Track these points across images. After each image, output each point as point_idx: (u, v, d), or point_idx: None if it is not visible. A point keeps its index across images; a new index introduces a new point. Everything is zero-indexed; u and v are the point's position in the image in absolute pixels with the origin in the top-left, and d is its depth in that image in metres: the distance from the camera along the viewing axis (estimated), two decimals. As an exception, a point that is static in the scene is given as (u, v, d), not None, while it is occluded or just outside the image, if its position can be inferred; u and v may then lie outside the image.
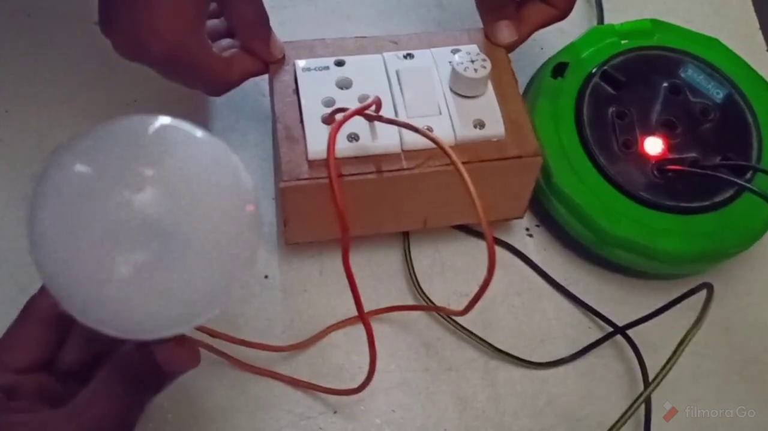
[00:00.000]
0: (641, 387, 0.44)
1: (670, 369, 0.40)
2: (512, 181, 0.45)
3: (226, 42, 0.46)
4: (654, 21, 0.53)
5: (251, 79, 0.46)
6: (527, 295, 0.48)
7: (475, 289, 0.40)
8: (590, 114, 0.48)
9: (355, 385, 0.41)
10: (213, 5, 0.44)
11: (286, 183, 0.41)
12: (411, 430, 0.43)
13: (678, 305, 0.43)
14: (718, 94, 0.49)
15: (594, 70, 0.50)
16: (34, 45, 0.53)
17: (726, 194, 0.46)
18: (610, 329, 0.46)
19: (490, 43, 0.47)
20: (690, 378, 0.45)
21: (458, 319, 0.45)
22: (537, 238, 0.50)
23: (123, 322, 0.28)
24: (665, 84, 0.49)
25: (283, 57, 0.45)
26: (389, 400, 0.44)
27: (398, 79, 0.45)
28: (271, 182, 0.49)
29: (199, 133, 0.30)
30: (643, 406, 0.42)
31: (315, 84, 0.44)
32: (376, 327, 0.39)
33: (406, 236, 0.48)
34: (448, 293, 0.47)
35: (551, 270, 0.48)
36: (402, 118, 0.43)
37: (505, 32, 0.47)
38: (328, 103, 0.43)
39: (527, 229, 0.50)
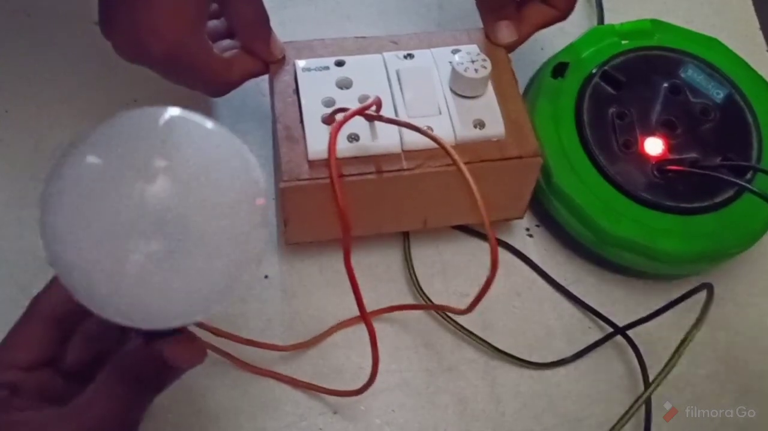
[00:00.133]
0: (641, 388, 0.44)
1: (671, 369, 0.40)
2: (512, 181, 0.45)
3: (226, 42, 0.46)
4: (654, 21, 0.53)
5: (251, 80, 0.46)
6: (527, 295, 0.48)
7: (476, 289, 0.40)
8: (590, 114, 0.48)
9: (355, 385, 0.41)
10: (213, 6, 0.44)
11: (286, 183, 0.41)
12: (411, 430, 0.43)
13: (678, 306, 0.43)
14: (718, 94, 0.49)
15: (594, 71, 0.50)
16: (34, 45, 0.53)
17: (726, 195, 0.46)
18: (611, 329, 0.46)
19: (490, 44, 0.47)
20: (690, 378, 0.45)
21: (458, 319, 0.45)
22: (537, 238, 0.50)
23: (137, 312, 0.29)
24: (665, 84, 0.49)
25: (283, 57, 0.45)
26: (389, 400, 0.44)
27: (398, 79, 0.45)
28: (272, 182, 0.49)
29: (209, 124, 0.30)
30: (643, 406, 0.42)
31: (315, 84, 0.44)
32: (376, 326, 0.39)
33: (406, 236, 0.48)
34: (448, 293, 0.47)
35: (551, 270, 0.48)
36: (402, 118, 0.43)
37: (506, 32, 0.47)
38: (328, 103, 0.43)
39: (527, 229, 0.50)
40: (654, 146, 0.47)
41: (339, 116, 0.41)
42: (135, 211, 0.28)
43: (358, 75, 0.45)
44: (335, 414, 0.43)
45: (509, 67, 0.47)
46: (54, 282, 0.34)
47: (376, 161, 0.42)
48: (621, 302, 0.48)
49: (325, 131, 0.42)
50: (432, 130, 0.42)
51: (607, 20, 0.57)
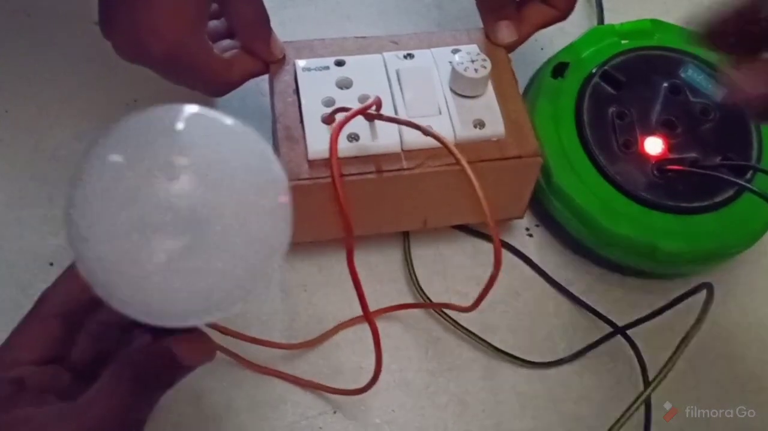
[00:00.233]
0: (641, 387, 0.43)
1: (670, 369, 0.40)
2: (512, 181, 0.45)
3: (226, 43, 0.46)
4: (654, 21, 0.53)
5: (251, 80, 0.46)
6: (527, 295, 0.48)
7: (476, 289, 0.40)
8: (590, 114, 0.48)
9: (355, 385, 0.41)
10: (213, 6, 0.44)
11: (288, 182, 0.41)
12: (411, 430, 0.43)
13: (678, 306, 0.43)
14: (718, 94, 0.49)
15: (594, 70, 0.50)
16: (34, 45, 0.53)
17: (726, 194, 0.46)
18: (610, 329, 0.46)
19: (490, 43, 0.47)
20: (690, 378, 0.45)
21: (459, 319, 0.45)
22: (537, 238, 0.50)
23: (158, 309, 0.29)
24: (665, 84, 0.49)
25: (284, 57, 0.45)
26: (389, 400, 0.44)
27: (398, 79, 0.45)
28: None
29: (229, 120, 0.30)
30: (643, 406, 0.42)
31: (315, 84, 0.44)
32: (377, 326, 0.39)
33: (406, 236, 0.48)
34: (448, 293, 0.47)
35: (551, 270, 0.48)
36: (402, 118, 0.43)
37: (505, 32, 0.47)
38: (328, 103, 0.43)
39: (527, 229, 0.50)
40: (654, 145, 0.47)
41: (339, 116, 0.41)
42: (159, 208, 0.27)
43: (358, 75, 0.45)
44: (335, 414, 0.43)
45: (509, 67, 0.47)
46: (62, 279, 0.34)
47: (376, 160, 0.42)
48: (621, 301, 0.48)
49: (325, 130, 0.42)
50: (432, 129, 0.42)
51: (607, 20, 0.57)
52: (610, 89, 0.49)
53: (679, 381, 0.44)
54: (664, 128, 0.48)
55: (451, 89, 0.45)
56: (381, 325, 0.39)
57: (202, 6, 0.42)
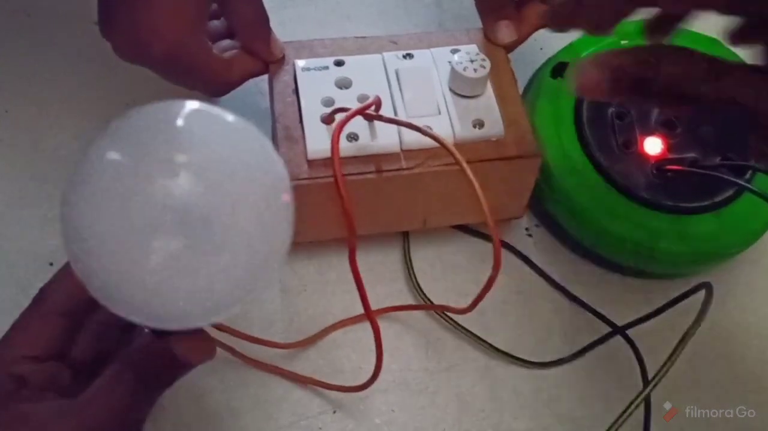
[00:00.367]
0: (640, 387, 0.43)
1: (669, 368, 0.40)
2: (512, 181, 0.45)
3: (226, 43, 0.46)
4: (654, 21, 0.53)
5: (251, 80, 0.46)
6: (527, 295, 0.48)
7: (475, 289, 0.40)
8: (590, 114, 0.48)
9: (356, 384, 0.41)
10: (213, 6, 0.44)
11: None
12: (411, 430, 0.43)
13: (677, 305, 0.43)
14: (717, 94, 0.49)
15: (594, 70, 0.50)
16: (34, 45, 0.53)
17: (726, 194, 0.46)
18: (610, 329, 0.46)
19: (490, 43, 0.47)
20: (690, 378, 0.45)
21: (458, 319, 0.45)
22: (537, 238, 0.50)
23: (156, 311, 0.28)
24: (665, 84, 0.49)
25: (283, 57, 0.45)
26: (389, 400, 0.44)
27: (398, 79, 0.45)
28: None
29: (230, 117, 0.29)
30: (642, 406, 0.42)
31: (314, 84, 0.44)
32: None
33: (405, 236, 0.48)
34: (447, 293, 0.47)
35: (551, 270, 0.48)
36: (401, 118, 0.43)
37: (505, 32, 0.47)
38: (328, 103, 0.44)
39: (527, 229, 0.50)
40: (653, 145, 0.47)
41: (339, 116, 0.41)
42: (158, 208, 0.27)
43: (357, 75, 0.45)
44: (335, 414, 0.43)
45: (509, 67, 0.47)
46: (62, 274, 0.34)
47: (376, 160, 0.42)
48: (620, 301, 0.48)
49: (324, 130, 0.42)
50: (431, 129, 0.42)
51: (606, 20, 0.57)
52: (609, 89, 0.49)
53: (678, 381, 0.44)
54: (664, 128, 0.48)
55: (451, 89, 0.45)
56: (381, 325, 0.39)
57: (202, 6, 0.42)
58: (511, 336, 0.46)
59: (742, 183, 0.46)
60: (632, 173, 0.46)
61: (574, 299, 0.48)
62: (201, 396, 0.43)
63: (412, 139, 0.42)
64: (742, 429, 0.45)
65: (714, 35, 0.53)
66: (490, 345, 0.45)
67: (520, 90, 0.47)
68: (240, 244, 0.28)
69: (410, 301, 0.47)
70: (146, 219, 0.27)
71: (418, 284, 0.47)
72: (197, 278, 0.27)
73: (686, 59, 0.32)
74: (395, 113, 0.44)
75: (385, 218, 0.46)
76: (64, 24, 0.54)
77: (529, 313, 0.47)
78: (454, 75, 0.44)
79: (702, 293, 0.41)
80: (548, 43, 0.54)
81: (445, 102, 0.44)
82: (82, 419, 0.31)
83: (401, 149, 0.43)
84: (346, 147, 0.42)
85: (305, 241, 0.47)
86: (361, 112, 0.41)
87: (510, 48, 0.48)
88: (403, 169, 0.42)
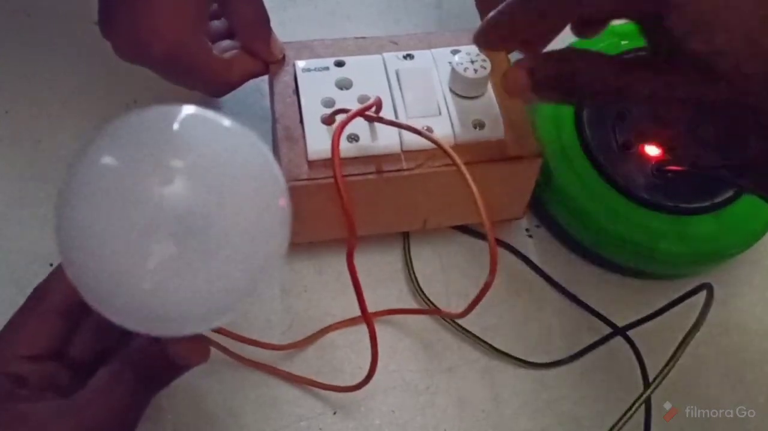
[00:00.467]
0: (641, 388, 0.43)
1: (670, 369, 0.40)
2: (512, 181, 0.45)
3: (226, 43, 0.46)
4: (654, 21, 0.53)
5: (251, 80, 0.46)
6: (527, 295, 0.48)
7: (475, 289, 0.40)
8: (590, 114, 0.48)
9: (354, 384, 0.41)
10: (213, 6, 0.44)
11: (286, 183, 0.41)
12: (411, 430, 0.43)
13: (678, 306, 0.43)
14: (718, 94, 0.49)
15: (594, 71, 0.50)
16: (34, 45, 0.53)
17: (726, 195, 0.46)
18: (610, 329, 0.46)
19: (490, 44, 0.47)
20: (690, 378, 0.45)
21: (458, 320, 0.45)
22: (537, 238, 0.50)
23: (150, 318, 0.28)
24: (665, 84, 0.49)
25: (283, 57, 0.45)
26: (389, 401, 0.44)
27: (398, 80, 0.45)
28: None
29: (227, 122, 0.29)
30: (643, 407, 0.42)
31: (315, 84, 0.44)
32: (376, 327, 0.39)
33: (406, 236, 0.48)
34: (448, 293, 0.47)
35: (551, 270, 0.48)
36: (402, 118, 0.43)
37: (505, 33, 0.47)
38: (328, 103, 0.43)
39: (527, 229, 0.50)
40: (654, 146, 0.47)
41: (339, 117, 0.41)
42: (154, 212, 0.26)
43: (357, 75, 0.45)
44: (335, 415, 0.43)
45: (509, 67, 0.47)
46: (59, 273, 0.34)
47: (376, 161, 0.42)
48: (621, 302, 0.48)
49: (324, 131, 0.42)
50: (432, 130, 0.42)
51: (607, 20, 0.57)
52: (610, 90, 0.49)
53: (679, 382, 0.44)
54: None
55: (451, 90, 0.45)
56: (380, 326, 0.39)
57: (202, 6, 0.42)
58: (511, 337, 0.46)
59: (742, 183, 0.46)
60: (632, 174, 0.46)
61: (574, 299, 0.48)
62: (200, 397, 0.43)
63: (413, 140, 0.42)
64: (742, 429, 0.45)
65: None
66: (491, 346, 0.45)
67: (521, 90, 0.47)
68: (236, 249, 0.28)
69: (410, 302, 0.47)
70: (141, 224, 0.26)
71: (419, 285, 0.47)
72: (193, 284, 0.27)
73: (596, 57, 0.35)
74: (396, 114, 0.43)
75: (386, 219, 0.46)
76: (64, 24, 0.54)
77: (529, 314, 0.47)
78: (455, 76, 0.44)
79: (703, 294, 0.41)
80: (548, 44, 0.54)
81: (446, 103, 0.44)
82: (82, 419, 0.31)
83: (402, 150, 0.43)
84: (346, 148, 0.42)
85: (305, 241, 0.47)
86: (361, 113, 0.41)
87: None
88: (404, 170, 0.42)
